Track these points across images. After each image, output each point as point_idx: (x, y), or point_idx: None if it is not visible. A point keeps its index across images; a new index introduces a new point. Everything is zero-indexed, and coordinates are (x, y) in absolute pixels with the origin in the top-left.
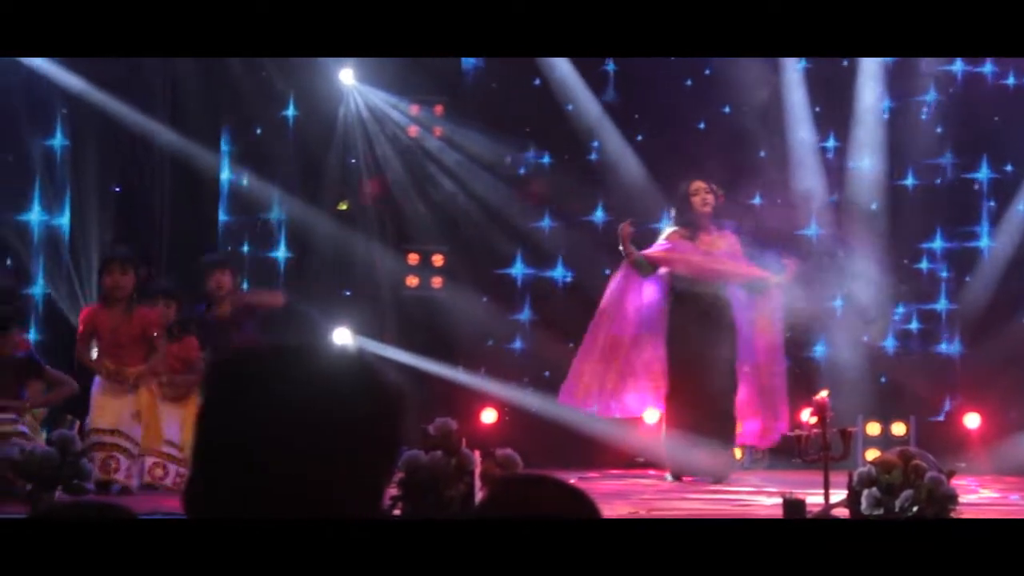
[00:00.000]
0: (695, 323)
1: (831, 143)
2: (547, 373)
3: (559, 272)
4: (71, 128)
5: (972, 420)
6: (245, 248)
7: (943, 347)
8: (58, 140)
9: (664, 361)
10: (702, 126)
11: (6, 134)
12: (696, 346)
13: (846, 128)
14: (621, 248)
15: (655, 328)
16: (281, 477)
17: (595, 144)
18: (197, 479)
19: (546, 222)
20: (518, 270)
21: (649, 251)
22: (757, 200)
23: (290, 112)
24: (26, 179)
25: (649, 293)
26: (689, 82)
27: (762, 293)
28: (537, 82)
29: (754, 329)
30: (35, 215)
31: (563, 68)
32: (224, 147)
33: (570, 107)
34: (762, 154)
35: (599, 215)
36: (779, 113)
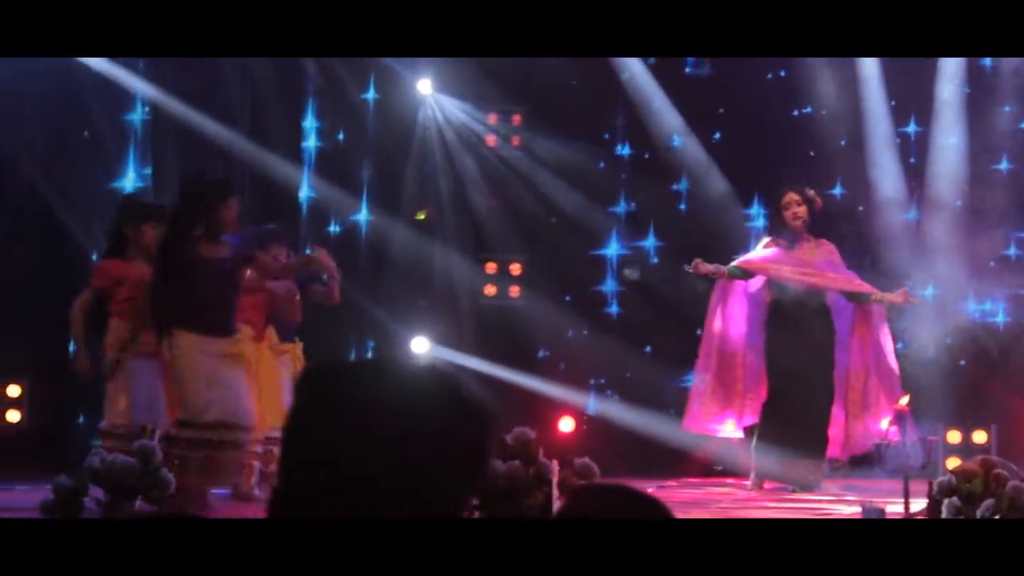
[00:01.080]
0: (793, 333)
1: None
2: (628, 374)
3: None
4: (152, 141)
5: None
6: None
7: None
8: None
9: (764, 372)
10: (782, 126)
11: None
12: (795, 357)
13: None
14: (710, 274)
15: (756, 340)
16: (364, 489)
17: (675, 143)
18: (284, 488)
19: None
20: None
21: (745, 260)
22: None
23: (369, 121)
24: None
25: (749, 305)
26: (771, 76)
27: (862, 304)
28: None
29: (851, 338)
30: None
31: (637, 68)
32: (304, 157)
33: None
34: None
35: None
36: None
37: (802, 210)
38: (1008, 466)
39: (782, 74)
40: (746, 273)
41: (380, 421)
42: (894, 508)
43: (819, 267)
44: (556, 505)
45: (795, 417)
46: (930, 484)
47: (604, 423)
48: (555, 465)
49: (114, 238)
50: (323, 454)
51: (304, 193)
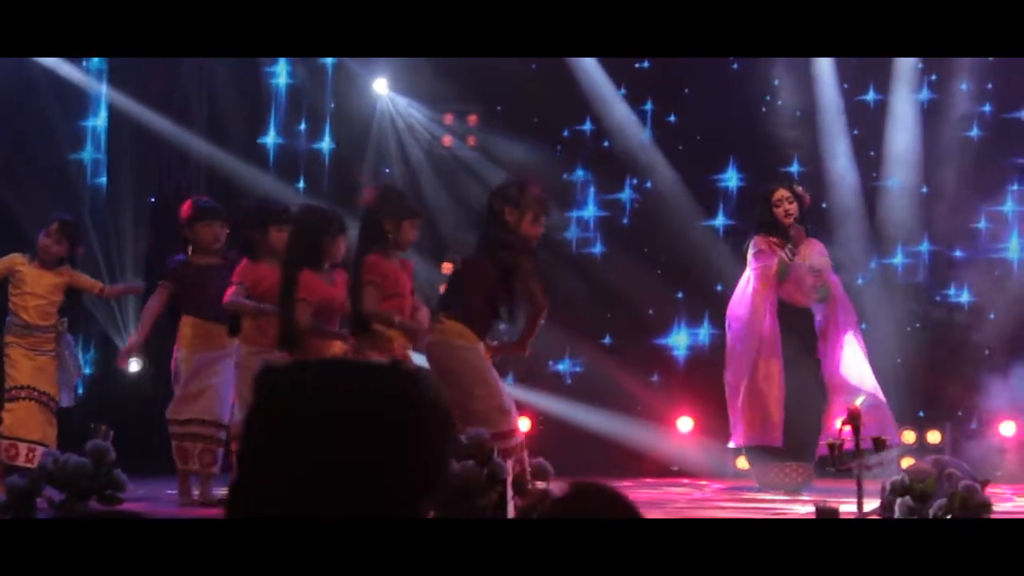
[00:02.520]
0: (796, 339)
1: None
2: (585, 372)
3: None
4: (109, 140)
5: (1008, 428)
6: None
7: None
8: (89, 153)
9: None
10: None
11: (44, 145)
12: (799, 363)
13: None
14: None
15: (777, 345)
16: (322, 488)
17: (631, 141)
18: (241, 485)
19: (573, 231)
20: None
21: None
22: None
23: (325, 123)
24: (65, 190)
25: (771, 311)
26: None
27: (826, 303)
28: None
29: (822, 340)
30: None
31: (595, 73)
32: (262, 158)
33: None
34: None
35: (627, 220)
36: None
37: (793, 207)
38: (960, 465)
39: (734, 66)
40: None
41: (340, 420)
42: (848, 508)
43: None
44: (511, 505)
45: (793, 422)
46: (883, 484)
47: (560, 423)
48: (509, 465)
49: (242, 241)
50: (282, 452)
51: (262, 195)
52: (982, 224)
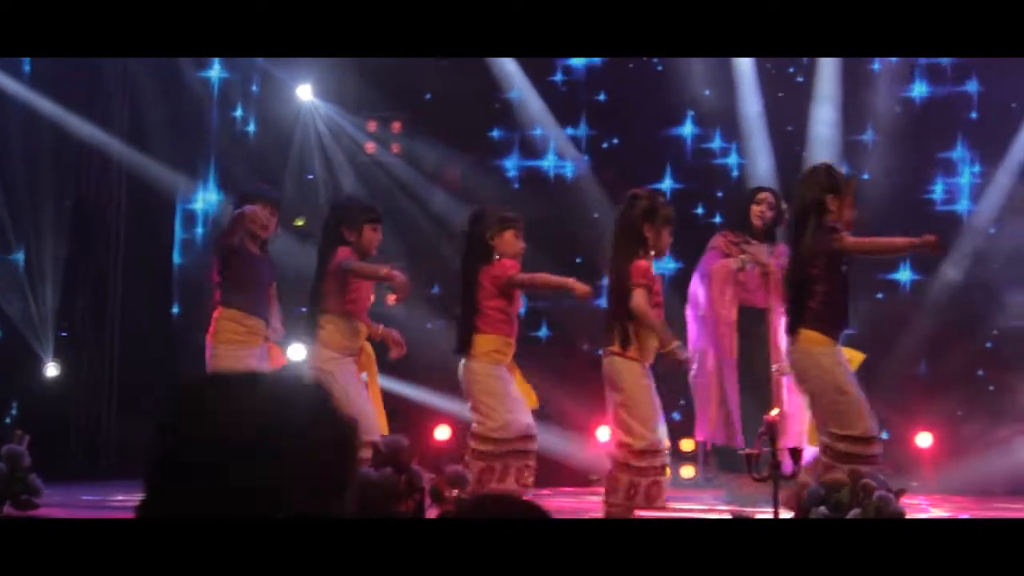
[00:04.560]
0: (752, 342)
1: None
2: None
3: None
4: (29, 141)
5: (924, 439)
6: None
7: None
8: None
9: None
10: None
11: None
12: (756, 367)
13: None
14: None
15: (734, 347)
16: (231, 500)
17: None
18: (150, 499)
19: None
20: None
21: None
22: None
23: (249, 128)
24: None
25: (728, 311)
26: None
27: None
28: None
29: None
30: None
31: (519, 80)
32: (182, 163)
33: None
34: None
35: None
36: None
37: (770, 214)
38: (876, 476)
39: (658, 68)
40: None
41: (248, 433)
42: (764, 518)
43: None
44: (428, 513)
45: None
46: (799, 493)
47: None
48: (427, 473)
49: (335, 239)
50: (191, 465)
51: (183, 197)
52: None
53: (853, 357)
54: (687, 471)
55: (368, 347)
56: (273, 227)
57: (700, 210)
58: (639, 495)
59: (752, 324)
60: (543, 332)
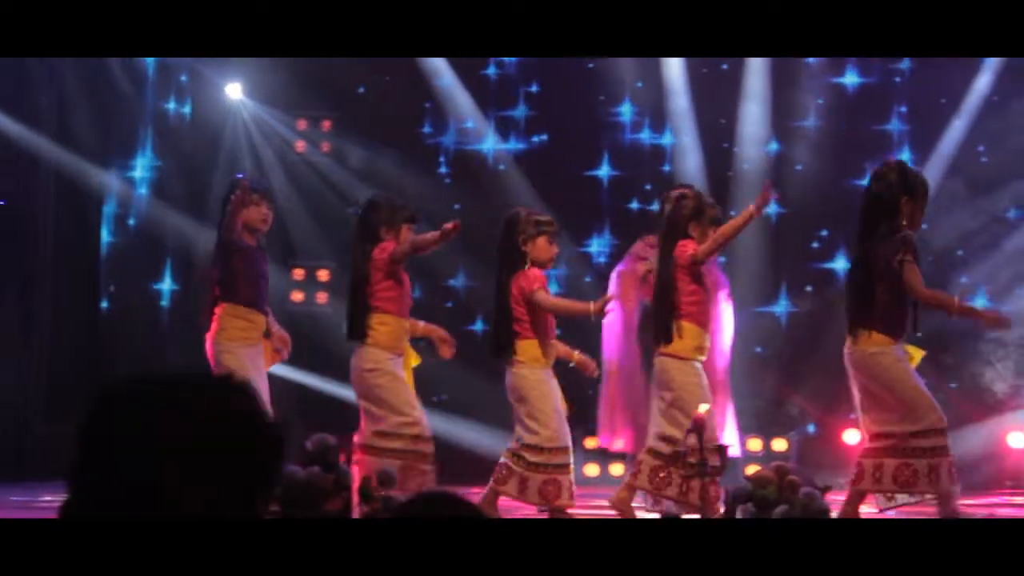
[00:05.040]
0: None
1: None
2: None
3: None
4: None
5: (852, 436)
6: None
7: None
8: None
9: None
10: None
11: None
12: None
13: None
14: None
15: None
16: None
17: (489, 154)
18: (74, 500)
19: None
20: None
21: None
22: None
23: (179, 126)
24: None
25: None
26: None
27: None
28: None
29: None
30: None
31: (449, 76)
32: (110, 161)
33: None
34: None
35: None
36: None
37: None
38: (802, 473)
39: (590, 66)
40: None
41: (173, 434)
42: (692, 516)
43: None
44: (356, 511)
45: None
46: (726, 490)
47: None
48: (355, 471)
49: (374, 239)
50: (114, 467)
51: (113, 198)
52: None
53: (914, 354)
54: (591, 469)
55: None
56: (271, 221)
57: (634, 204)
58: (692, 493)
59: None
60: (478, 326)
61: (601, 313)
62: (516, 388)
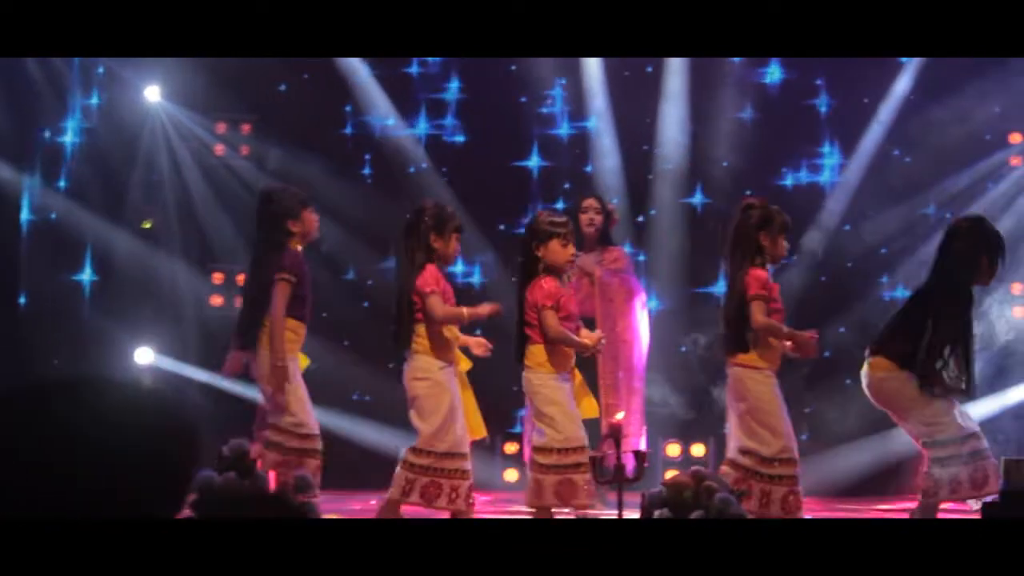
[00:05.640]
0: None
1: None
2: (355, 396)
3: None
4: None
5: None
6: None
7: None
8: None
9: None
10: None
11: None
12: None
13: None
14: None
15: None
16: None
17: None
18: None
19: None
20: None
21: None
22: None
23: (93, 127)
24: None
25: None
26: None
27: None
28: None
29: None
30: None
31: (373, 91)
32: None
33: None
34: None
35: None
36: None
37: (599, 218)
38: (719, 478)
39: (512, 68)
40: None
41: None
42: (608, 518)
43: (602, 278)
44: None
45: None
46: (643, 496)
47: (330, 435)
48: (272, 476)
49: (425, 249)
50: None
51: (27, 199)
52: None
53: None
54: (511, 474)
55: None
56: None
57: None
58: (774, 505)
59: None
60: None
61: (598, 349)
62: (525, 392)
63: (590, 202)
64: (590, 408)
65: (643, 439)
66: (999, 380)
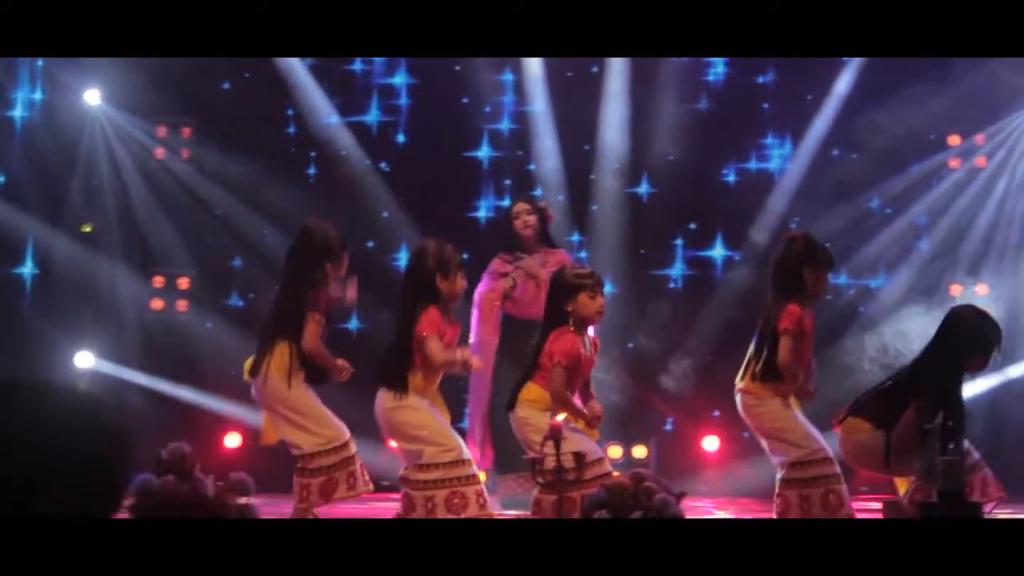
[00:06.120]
0: (517, 349)
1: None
2: None
3: None
4: None
5: (711, 443)
6: None
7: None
8: None
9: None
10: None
11: None
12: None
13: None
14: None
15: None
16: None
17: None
18: None
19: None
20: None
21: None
22: None
23: (33, 129)
24: None
25: (496, 338)
26: (466, 100)
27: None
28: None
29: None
30: None
31: (315, 89)
32: None
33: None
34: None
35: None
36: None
37: (532, 219)
38: (658, 479)
39: (456, 68)
40: None
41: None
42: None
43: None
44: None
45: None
46: (582, 497)
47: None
48: (210, 480)
49: (428, 291)
50: None
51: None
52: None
53: None
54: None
55: None
56: None
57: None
58: (815, 507)
59: (528, 336)
60: (353, 324)
61: (593, 425)
62: (514, 428)
63: (520, 207)
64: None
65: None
66: None
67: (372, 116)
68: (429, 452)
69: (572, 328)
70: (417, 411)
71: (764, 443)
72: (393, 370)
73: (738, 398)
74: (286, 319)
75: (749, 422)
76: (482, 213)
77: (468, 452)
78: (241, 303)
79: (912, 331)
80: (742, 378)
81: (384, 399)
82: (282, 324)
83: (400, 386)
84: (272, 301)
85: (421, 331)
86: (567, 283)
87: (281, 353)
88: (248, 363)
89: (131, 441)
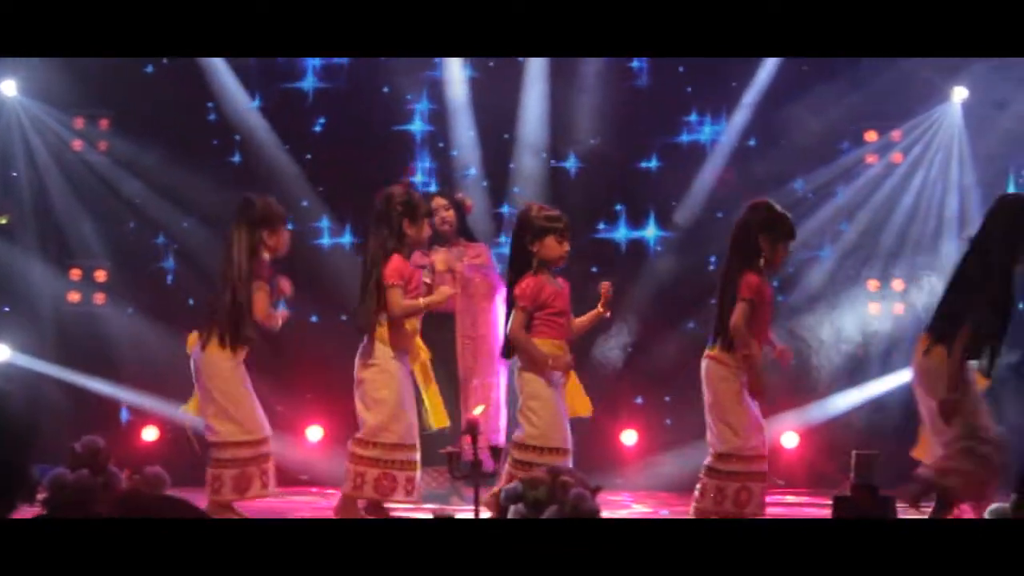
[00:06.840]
0: (446, 347)
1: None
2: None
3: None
4: None
5: (629, 437)
6: None
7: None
8: None
9: None
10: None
11: None
12: (450, 368)
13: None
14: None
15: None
16: None
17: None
18: None
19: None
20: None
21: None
22: None
23: None
24: None
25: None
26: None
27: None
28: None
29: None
30: None
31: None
32: None
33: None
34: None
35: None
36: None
37: (450, 215)
38: (574, 473)
39: (385, 89)
40: None
41: None
42: (465, 516)
43: (464, 274)
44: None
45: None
46: (498, 492)
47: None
48: (125, 474)
49: (397, 233)
50: None
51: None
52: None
53: (980, 381)
54: None
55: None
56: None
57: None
58: (727, 500)
59: (443, 329)
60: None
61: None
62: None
63: (437, 202)
64: (583, 407)
65: (501, 434)
66: (858, 374)
67: (293, 102)
68: (370, 427)
69: (533, 272)
70: (383, 373)
71: (708, 419)
72: (362, 315)
73: (704, 364)
74: (231, 292)
75: (706, 393)
76: None
77: (415, 435)
78: (160, 295)
79: (823, 325)
80: (711, 347)
81: (359, 354)
82: (227, 297)
83: (367, 327)
84: (218, 276)
85: (386, 280)
86: (535, 224)
87: (224, 327)
88: (192, 337)
89: (31, 435)
